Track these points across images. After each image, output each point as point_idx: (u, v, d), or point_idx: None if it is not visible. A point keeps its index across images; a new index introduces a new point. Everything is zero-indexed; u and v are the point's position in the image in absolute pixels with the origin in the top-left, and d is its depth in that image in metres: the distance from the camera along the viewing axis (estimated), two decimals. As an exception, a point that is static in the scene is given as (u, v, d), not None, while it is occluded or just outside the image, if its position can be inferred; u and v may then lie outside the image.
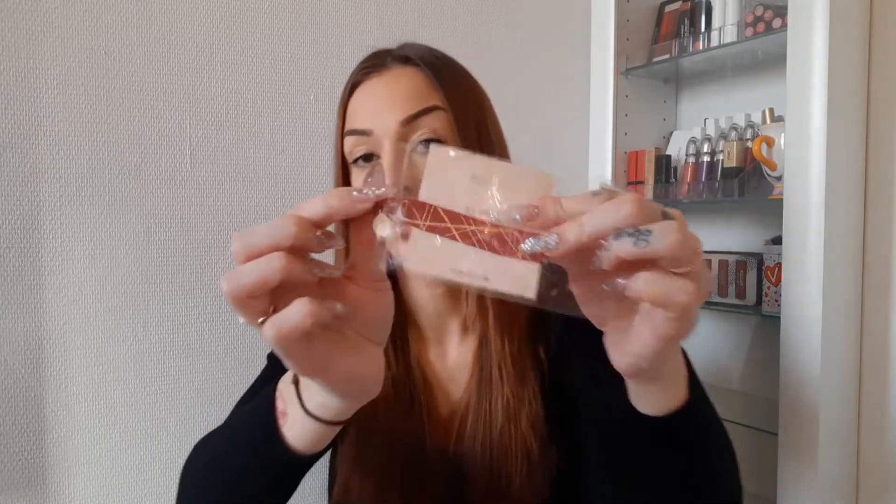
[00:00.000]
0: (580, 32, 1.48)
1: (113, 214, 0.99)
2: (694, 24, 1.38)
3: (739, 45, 1.28)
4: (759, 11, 1.20)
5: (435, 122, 0.65)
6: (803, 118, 1.08)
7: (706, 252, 1.37)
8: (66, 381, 0.97)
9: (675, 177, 1.43)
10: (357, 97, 0.69)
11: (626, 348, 0.41)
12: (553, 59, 1.45)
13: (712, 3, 1.34)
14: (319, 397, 0.47)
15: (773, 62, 1.31)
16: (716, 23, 1.33)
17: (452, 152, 0.41)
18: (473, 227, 0.39)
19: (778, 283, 1.17)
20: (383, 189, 0.40)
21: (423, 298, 0.74)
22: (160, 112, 1.02)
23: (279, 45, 1.12)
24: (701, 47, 1.35)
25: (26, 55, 0.92)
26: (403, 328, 0.75)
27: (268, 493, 0.55)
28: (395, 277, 0.71)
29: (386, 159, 0.64)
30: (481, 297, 0.71)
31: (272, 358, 0.80)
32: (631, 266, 0.36)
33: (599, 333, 0.45)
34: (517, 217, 0.38)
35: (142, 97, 1.01)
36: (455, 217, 0.39)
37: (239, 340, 1.09)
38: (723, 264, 1.31)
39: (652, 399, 0.49)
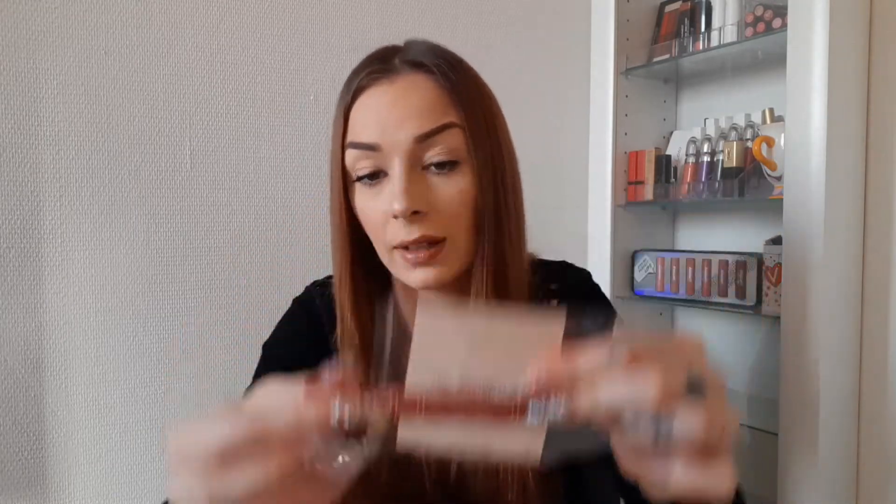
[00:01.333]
0: (580, 32, 1.48)
1: (113, 214, 0.99)
2: (694, 24, 1.38)
3: (739, 45, 1.28)
4: (759, 11, 1.20)
5: (450, 141, 0.59)
6: (803, 118, 1.08)
7: (706, 252, 1.37)
8: (66, 381, 0.97)
9: (675, 177, 1.43)
10: (362, 105, 0.61)
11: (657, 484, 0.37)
12: (553, 59, 1.45)
13: (712, 3, 1.34)
14: None
15: (773, 62, 1.30)
16: (716, 23, 1.33)
17: (445, 315, 0.36)
18: (472, 404, 0.35)
19: (778, 283, 1.17)
20: (362, 413, 0.34)
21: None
22: (160, 112, 1.02)
23: (279, 45, 1.12)
24: (701, 47, 1.35)
25: (26, 55, 0.92)
26: (401, 350, 0.71)
27: None
28: (393, 297, 0.69)
29: (396, 180, 0.58)
30: None
31: (267, 349, 0.77)
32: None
33: None
34: (521, 390, 0.35)
35: (142, 97, 1.01)
36: (450, 401, 0.35)
37: (238, 340, 1.09)
38: (723, 264, 1.31)
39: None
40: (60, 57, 0.95)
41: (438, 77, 0.60)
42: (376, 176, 0.61)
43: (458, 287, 0.63)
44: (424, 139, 0.59)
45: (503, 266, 0.62)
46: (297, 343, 0.74)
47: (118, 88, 0.99)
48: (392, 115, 0.59)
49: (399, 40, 0.67)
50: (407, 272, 0.61)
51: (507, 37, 1.37)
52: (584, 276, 0.76)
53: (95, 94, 0.97)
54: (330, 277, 0.76)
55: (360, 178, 0.61)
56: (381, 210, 0.60)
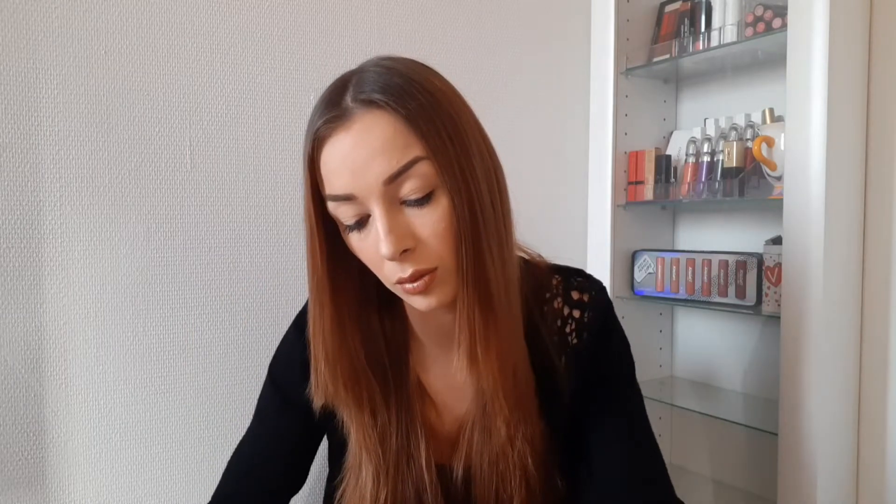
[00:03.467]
0: (580, 32, 1.48)
1: (113, 214, 0.99)
2: (694, 24, 1.38)
3: (739, 45, 1.28)
4: (759, 11, 1.21)
5: (420, 175, 0.59)
6: (803, 118, 1.08)
7: (706, 252, 1.37)
8: (66, 381, 0.97)
9: (675, 177, 1.43)
10: (327, 156, 0.60)
11: None
12: (553, 59, 1.45)
13: (712, 3, 1.34)
14: None
15: (773, 62, 1.31)
16: (716, 23, 1.33)
17: None
18: None
19: (778, 283, 1.17)
20: None
21: (432, 316, 0.72)
22: (160, 112, 1.02)
23: (279, 45, 1.12)
24: (701, 47, 1.35)
25: (26, 55, 0.92)
26: (405, 346, 0.73)
27: None
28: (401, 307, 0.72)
29: (379, 225, 0.59)
30: (472, 350, 0.64)
31: (273, 370, 0.80)
32: None
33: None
34: None
35: (142, 97, 1.01)
36: None
37: (239, 340, 1.09)
38: (723, 264, 1.31)
39: None
40: (60, 57, 0.95)
41: (391, 110, 0.58)
42: (365, 222, 0.61)
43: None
44: (393, 180, 0.58)
45: (485, 282, 0.61)
46: (292, 373, 0.76)
47: (118, 88, 0.99)
48: (356, 162, 0.58)
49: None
50: (411, 299, 0.63)
51: (507, 37, 1.37)
52: (600, 286, 0.78)
53: (95, 94, 0.97)
54: None
55: (348, 227, 0.62)
56: (373, 251, 0.61)
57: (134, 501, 1.02)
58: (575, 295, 0.75)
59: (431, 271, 0.60)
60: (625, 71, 1.45)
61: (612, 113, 1.44)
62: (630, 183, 1.47)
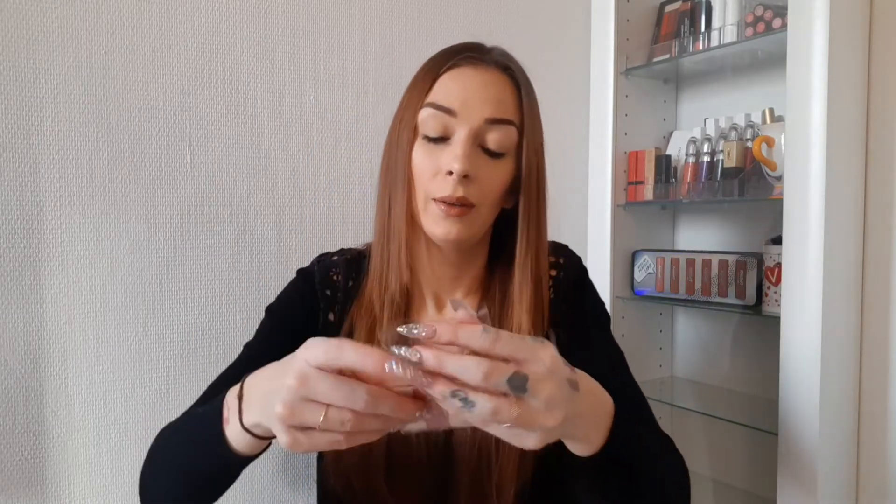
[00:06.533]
0: (580, 32, 1.48)
1: (113, 214, 0.99)
2: (694, 24, 1.38)
3: (739, 45, 1.28)
4: (759, 11, 1.21)
5: (505, 136, 0.72)
6: (803, 118, 1.08)
7: (706, 252, 1.37)
8: (66, 381, 0.97)
9: (675, 177, 1.43)
10: (452, 77, 0.72)
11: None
12: (553, 59, 1.45)
13: (712, 3, 1.34)
14: (255, 419, 0.54)
15: (773, 62, 1.31)
16: (716, 23, 1.33)
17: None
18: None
19: (778, 283, 1.17)
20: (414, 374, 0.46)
21: (433, 267, 0.78)
22: (160, 112, 1.02)
23: (279, 45, 1.12)
24: (701, 47, 1.35)
25: (26, 55, 0.92)
26: (409, 296, 0.79)
27: (211, 479, 0.66)
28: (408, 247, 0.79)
29: (460, 146, 0.69)
30: (484, 278, 0.80)
31: (272, 307, 0.84)
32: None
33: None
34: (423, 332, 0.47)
35: (142, 97, 1.01)
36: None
37: (239, 340, 1.09)
38: (723, 264, 1.31)
39: (573, 448, 0.59)
40: (60, 57, 0.95)
41: (515, 83, 0.74)
42: (440, 139, 0.71)
43: (469, 250, 0.78)
44: (492, 123, 0.71)
45: (538, 244, 0.76)
46: (293, 309, 0.83)
47: (118, 88, 0.99)
48: (475, 94, 0.71)
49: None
50: (435, 224, 0.71)
51: (507, 37, 1.37)
52: (573, 252, 0.87)
53: (95, 94, 0.97)
54: (334, 253, 0.85)
55: (426, 137, 0.72)
56: (436, 165, 0.71)
57: (134, 501, 1.02)
58: (551, 258, 0.83)
59: (471, 206, 0.71)
60: (625, 71, 1.45)
61: (612, 113, 1.44)
62: (630, 183, 1.47)
